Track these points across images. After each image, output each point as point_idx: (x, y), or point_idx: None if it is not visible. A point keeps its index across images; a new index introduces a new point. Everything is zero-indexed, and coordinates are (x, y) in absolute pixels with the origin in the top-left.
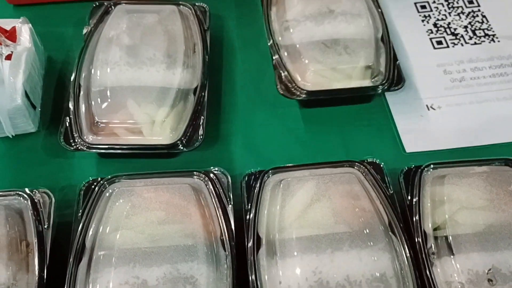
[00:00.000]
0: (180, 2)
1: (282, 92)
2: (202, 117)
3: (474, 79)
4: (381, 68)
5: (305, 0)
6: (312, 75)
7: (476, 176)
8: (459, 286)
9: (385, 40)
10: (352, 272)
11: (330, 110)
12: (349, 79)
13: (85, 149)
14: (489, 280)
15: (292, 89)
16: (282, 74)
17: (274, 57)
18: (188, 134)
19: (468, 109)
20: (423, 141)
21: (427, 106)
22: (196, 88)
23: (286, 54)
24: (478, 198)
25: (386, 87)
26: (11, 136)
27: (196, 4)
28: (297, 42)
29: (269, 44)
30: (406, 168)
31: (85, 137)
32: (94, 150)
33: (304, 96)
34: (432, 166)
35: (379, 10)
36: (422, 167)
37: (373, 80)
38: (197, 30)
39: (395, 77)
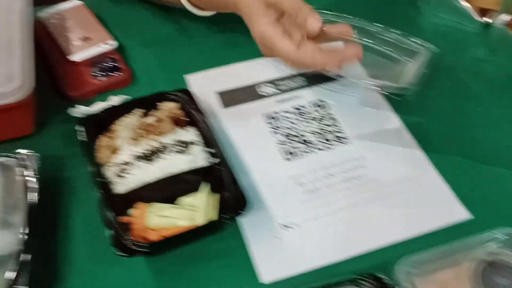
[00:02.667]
0: None
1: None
2: None
3: (328, 188)
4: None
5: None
6: (153, 219)
7: None
8: None
9: (222, 164)
10: None
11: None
12: (193, 211)
13: None
14: None
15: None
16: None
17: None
18: None
19: (325, 222)
20: (281, 266)
21: (280, 225)
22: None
23: (122, 202)
24: None
25: (229, 216)
26: None
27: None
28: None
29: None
30: None
31: None
32: None
33: (146, 250)
34: None
35: (211, 132)
36: None
37: None
38: (21, 184)
39: (238, 202)
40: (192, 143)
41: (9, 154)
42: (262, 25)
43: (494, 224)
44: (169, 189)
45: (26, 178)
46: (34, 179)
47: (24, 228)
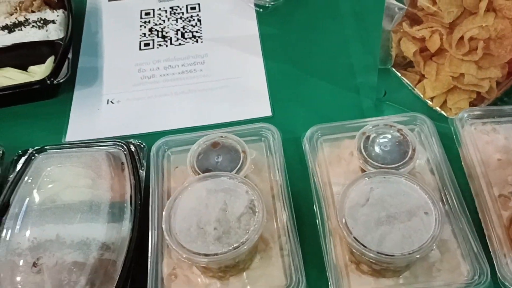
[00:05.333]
0: None
1: None
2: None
3: (163, 76)
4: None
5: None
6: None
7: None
8: None
9: (69, 40)
10: None
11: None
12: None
13: None
14: None
15: None
16: None
17: None
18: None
19: (144, 103)
20: (89, 131)
21: (107, 100)
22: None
23: None
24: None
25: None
26: None
27: None
28: None
29: None
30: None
31: None
32: None
33: None
34: (40, 149)
35: (72, 14)
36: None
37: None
38: None
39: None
40: (51, 21)
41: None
42: None
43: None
44: (24, 57)
45: None
46: None
47: None
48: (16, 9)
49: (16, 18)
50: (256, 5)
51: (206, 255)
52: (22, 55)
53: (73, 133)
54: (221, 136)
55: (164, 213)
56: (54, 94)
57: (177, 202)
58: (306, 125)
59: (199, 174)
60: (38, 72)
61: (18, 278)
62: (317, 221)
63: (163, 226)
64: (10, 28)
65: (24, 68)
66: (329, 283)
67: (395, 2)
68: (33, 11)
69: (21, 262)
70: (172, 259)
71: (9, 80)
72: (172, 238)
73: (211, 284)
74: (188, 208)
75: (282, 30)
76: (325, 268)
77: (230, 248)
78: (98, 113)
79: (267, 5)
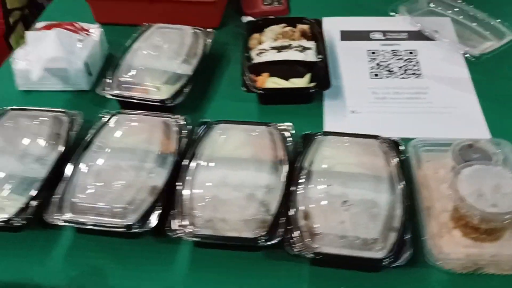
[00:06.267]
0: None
1: (244, 89)
2: (186, 89)
3: (393, 99)
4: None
5: (272, 38)
6: (269, 83)
7: (350, 142)
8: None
9: (324, 63)
10: (246, 180)
11: (281, 107)
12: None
13: (109, 96)
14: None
15: (252, 88)
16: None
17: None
18: (175, 97)
19: (379, 116)
20: (340, 130)
21: (351, 111)
22: (189, 74)
23: (254, 69)
24: (347, 156)
25: (316, 89)
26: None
27: (208, 30)
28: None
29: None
30: (305, 133)
31: (112, 91)
32: (115, 98)
33: (259, 91)
34: (322, 133)
35: (324, 46)
36: (316, 132)
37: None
38: (202, 43)
39: (324, 84)
40: (309, 48)
41: None
42: None
43: None
44: (285, 71)
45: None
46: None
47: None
48: (279, 36)
49: (282, 42)
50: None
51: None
52: (286, 69)
53: (330, 129)
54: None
55: (459, 179)
56: (310, 100)
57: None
58: None
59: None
60: (298, 83)
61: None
62: None
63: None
64: (278, 49)
65: (285, 79)
66: None
67: None
68: (293, 39)
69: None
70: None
71: (277, 86)
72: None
73: (469, 245)
74: (472, 181)
75: (492, 78)
76: None
77: None
78: (345, 119)
79: (477, 55)
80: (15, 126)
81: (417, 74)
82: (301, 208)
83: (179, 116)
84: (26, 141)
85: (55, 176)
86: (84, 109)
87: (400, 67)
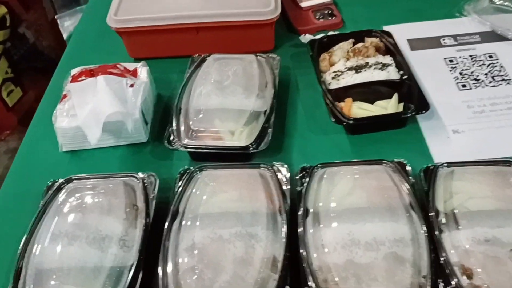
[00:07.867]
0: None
1: (334, 120)
2: (270, 129)
3: (493, 111)
4: (410, 100)
5: (344, 58)
6: (355, 109)
7: (481, 172)
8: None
9: (411, 80)
10: (378, 235)
11: (373, 135)
12: (384, 110)
13: (181, 148)
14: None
15: (340, 117)
16: (333, 108)
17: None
18: (258, 141)
19: (487, 133)
20: (450, 154)
21: (452, 130)
22: (265, 111)
23: (334, 95)
24: (481, 189)
25: (414, 112)
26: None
27: (270, 55)
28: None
29: (322, 89)
30: (425, 166)
31: (182, 141)
32: (188, 149)
33: (351, 121)
34: (445, 164)
35: (404, 59)
36: (438, 165)
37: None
38: (269, 72)
39: (421, 105)
40: (389, 65)
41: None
42: None
43: None
44: (368, 93)
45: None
46: None
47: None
48: (350, 54)
49: (357, 61)
50: None
51: None
52: (367, 91)
53: (439, 155)
54: None
55: None
56: (404, 124)
57: None
58: None
59: None
60: (385, 105)
61: None
62: None
63: None
64: (355, 69)
65: (370, 102)
66: None
67: None
68: (367, 56)
69: None
70: None
71: (366, 112)
72: None
73: None
74: None
75: None
76: None
77: None
78: (449, 141)
79: None
80: (80, 203)
81: (506, 80)
82: (456, 263)
83: (274, 163)
84: (97, 219)
85: (145, 259)
86: (146, 165)
87: (486, 74)
